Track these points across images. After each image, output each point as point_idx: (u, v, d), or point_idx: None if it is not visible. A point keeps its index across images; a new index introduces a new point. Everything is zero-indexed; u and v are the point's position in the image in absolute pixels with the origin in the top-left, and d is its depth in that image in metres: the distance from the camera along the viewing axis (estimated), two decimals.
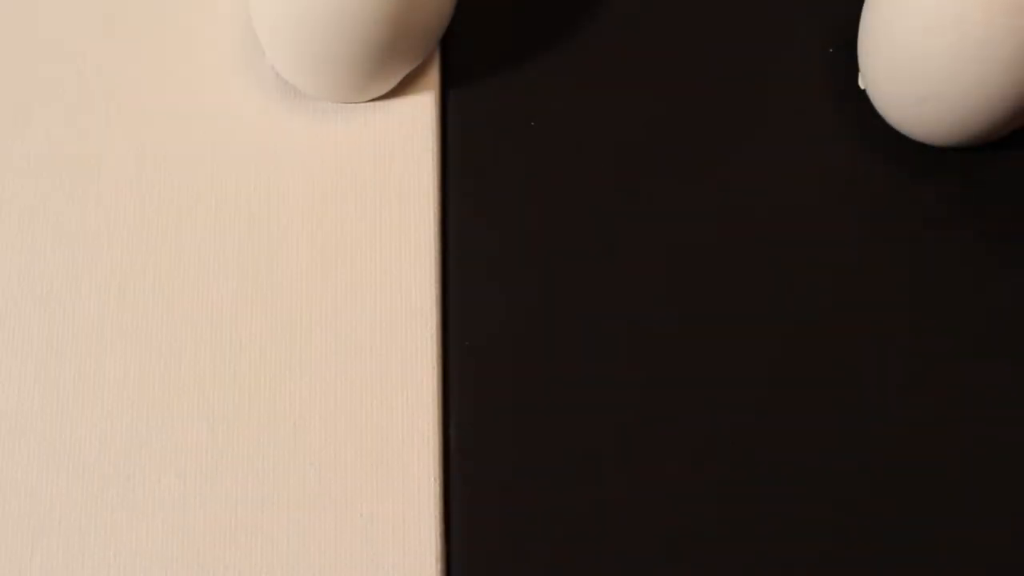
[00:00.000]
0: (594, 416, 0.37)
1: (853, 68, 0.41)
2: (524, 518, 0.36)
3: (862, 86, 0.41)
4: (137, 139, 0.40)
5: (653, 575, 0.35)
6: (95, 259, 0.38)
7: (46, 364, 0.37)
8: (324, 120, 0.41)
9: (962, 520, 0.36)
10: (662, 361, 0.38)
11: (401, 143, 0.40)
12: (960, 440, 0.37)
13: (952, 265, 0.39)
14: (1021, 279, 0.39)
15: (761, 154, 0.40)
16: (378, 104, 0.41)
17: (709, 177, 0.40)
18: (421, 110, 0.41)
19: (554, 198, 0.40)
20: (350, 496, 0.36)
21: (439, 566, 0.35)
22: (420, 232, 0.39)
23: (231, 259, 0.39)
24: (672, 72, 0.42)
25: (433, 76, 0.41)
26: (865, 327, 0.38)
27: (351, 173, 0.40)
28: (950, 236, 0.39)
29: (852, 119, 0.41)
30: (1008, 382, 0.37)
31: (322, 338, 0.37)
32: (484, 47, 0.42)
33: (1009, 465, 0.36)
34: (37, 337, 0.37)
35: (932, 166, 0.40)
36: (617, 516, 0.36)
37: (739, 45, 0.42)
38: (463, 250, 0.39)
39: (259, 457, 0.36)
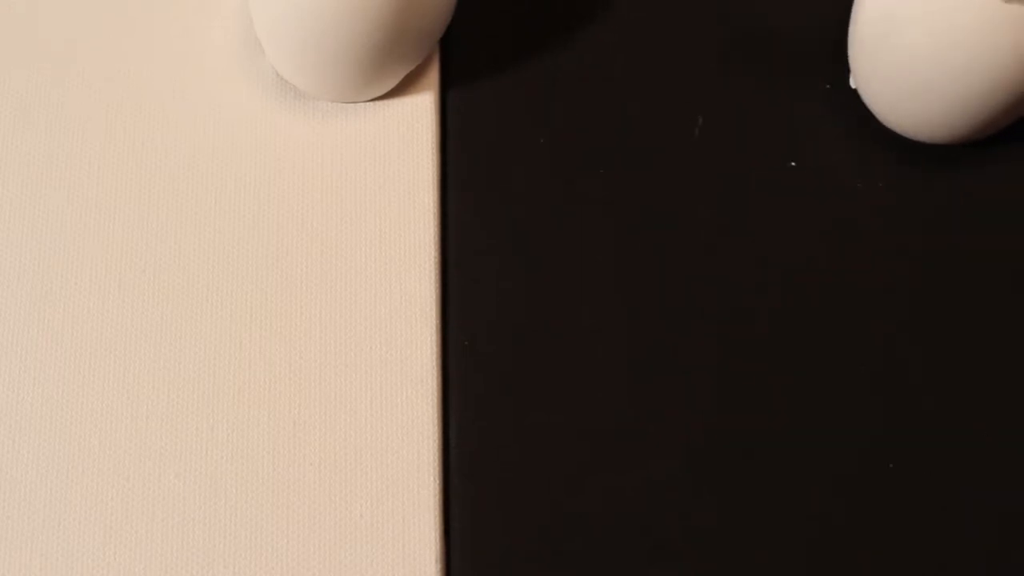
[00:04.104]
0: (594, 416, 0.37)
1: (844, 69, 0.41)
2: (524, 518, 0.36)
3: (853, 86, 0.41)
4: (137, 138, 0.40)
5: (652, 573, 0.35)
6: (94, 259, 0.38)
7: (45, 364, 0.37)
8: (324, 120, 0.41)
9: (960, 519, 0.36)
10: (663, 361, 0.38)
11: (401, 143, 0.40)
12: (959, 438, 0.37)
13: (944, 260, 0.39)
14: (1014, 273, 0.39)
15: (757, 156, 0.40)
16: (378, 104, 0.41)
17: (708, 175, 0.40)
18: (421, 110, 0.41)
19: (553, 198, 0.40)
20: (350, 496, 0.36)
21: (439, 566, 0.35)
22: (420, 232, 0.39)
23: (231, 258, 0.39)
24: (671, 73, 0.42)
25: (433, 76, 0.41)
26: (860, 323, 0.38)
27: (351, 173, 0.40)
28: (943, 231, 0.39)
29: (844, 119, 0.41)
30: (1003, 376, 0.37)
31: (322, 338, 0.37)
32: (484, 47, 0.42)
33: (1009, 464, 0.37)
34: (36, 337, 0.37)
35: (924, 163, 0.40)
36: (618, 516, 0.36)
37: (737, 46, 0.42)
38: (463, 250, 0.39)
39: (259, 457, 0.36)
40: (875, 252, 0.39)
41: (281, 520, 0.35)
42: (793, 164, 0.40)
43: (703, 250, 0.39)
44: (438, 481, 0.36)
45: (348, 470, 0.36)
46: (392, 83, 0.41)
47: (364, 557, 0.35)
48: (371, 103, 0.41)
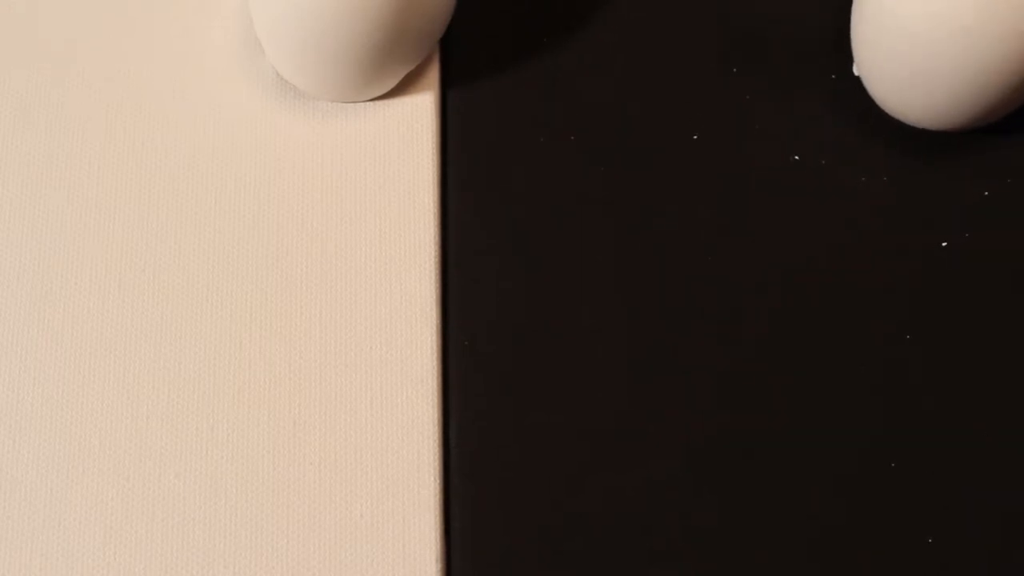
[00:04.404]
0: (594, 416, 0.37)
1: (847, 58, 0.41)
2: (524, 518, 0.36)
3: (856, 73, 0.41)
4: (137, 138, 0.40)
5: (653, 573, 0.35)
6: (94, 259, 0.38)
7: (45, 364, 0.37)
8: (324, 120, 0.41)
9: (961, 519, 0.36)
10: (663, 361, 0.38)
11: (401, 143, 0.40)
12: (959, 438, 0.37)
13: (945, 259, 0.39)
14: (1014, 272, 0.39)
15: (758, 154, 0.40)
16: (378, 104, 0.41)
17: (708, 175, 0.40)
18: (421, 110, 0.41)
19: (553, 198, 0.40)
20: (350, 496, 0.36)
21: (439, 566, 0.35)
22: (420, 232, 0.39)
23: (231, 258, 0.39)
24: (671, 72, 0.42)
25: (433, 76, 0.41)
26: (860, 323, 0.38)
27: (351, 173, 0.40)
28: (945, 229, 0.39)
29: (847, 106, 0.41)
30: (1004, 376, 0.37)
31: (322, 338, 0.37)
32: (484, 47, 0.42)
33: (1010, 464, 0.36)
34: (36, 337, 0.37)
35: (927, 157, 0.40)
36: (618, 515, 0.36)
37: (738, 39, 0.42)
38: (463, 250, 0.39)
39: (259, 457, 0.36)
40: (875, 252, 0.39)
41: (281, 520, 0.35)
42: (796, 158, 0.40)
43: (703, 250, 0.39)
44: (438, 481, 0.36)
45: (348, 470, 0.36)
46: (392, 83, 0.41)
47: (364, 557, 0.35)
48: (371, 103, 0.41)
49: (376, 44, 0.38)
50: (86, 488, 0.36)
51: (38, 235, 0.39)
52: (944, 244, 0.39)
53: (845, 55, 0.41)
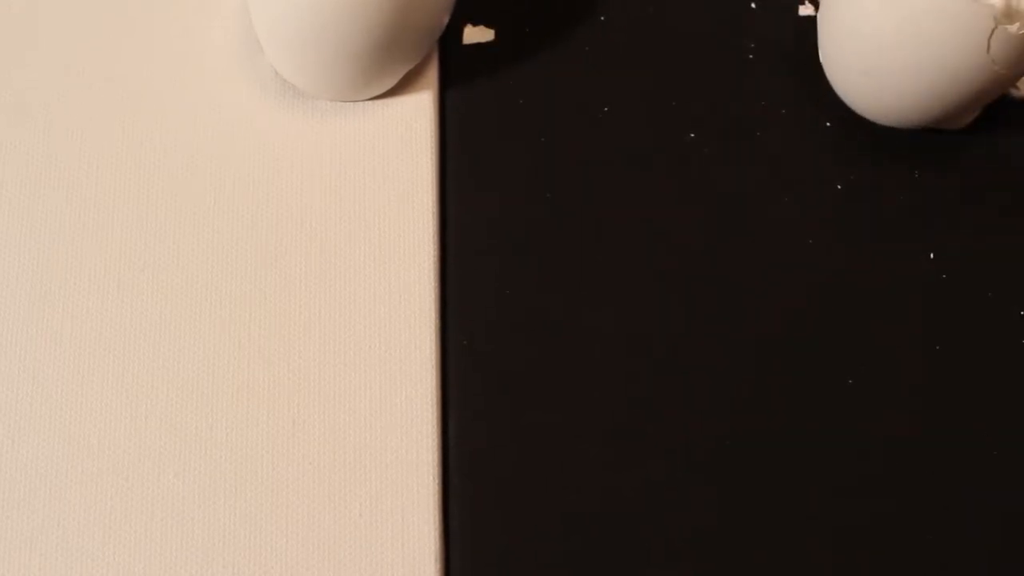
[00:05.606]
0: (593, 414, 0.37)
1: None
2: (523, 517, 0.36)
3: (821, 59, 0.41)
4: (136, 138, 0.40)
5: (652, 573, 0.35)
6: (93, 258, 0.38)
7: (45, 364, 0.37)
8: (323, 119, 0.41)
9: (961, 519, 0.36)
10: (661, 359, 0.38)
11: (400, 142, 0.40)
12: (959, 438, 0.37)
13: (945, 258, 0.39)
14: (1014, 271, 0.39)
15: (757, 157, 0.40)
16: (377, 103, 0.41)
17: (708, 175, 0.40)
18: (420, 109, 0.41)
19: (553, 198, 0.40)
20: (349, 495, 0.36)
21: (439, 566, 0.35)
22: (418, 231, 0.39)
23: (230, 258, 0.39)
24: (671, 72, 0.42)
25: (432, 75, 0.41)
26: (860, 323, 0.38)
27: (350, 172, 0.40)
28: (943, 229, 0.39)
29: (846, 117, 0.41)
30: (1004, 376, 0.37)
31: (321, 337, 0.37)
32: (484, 46, 0.42)
33: (1010, 464, 0.36)
34: (36, 337, 0.37)
35: (924, 160, 0.40)
36: (617, 515, 0.36)
37: (736, 46, 0.42)
38: (462, 249, 0.39)
39: (259, 456, 0.36)
40: (875, 252, 0.39)
41: (280, 519, 0.35)
42: (796, 158, 0.40)
43: (703, 250, 0.39)
44: (437, 480, 0.36)
45: (347, 469, 0.36)
46: (391, 82, 0.41)
47: (363, 556, 0.35)
48: (370, 102, 0.41)
49: (375, 43, 0.38)
50: (85, 488, 0.36)
51: (37, 235, 0.39)
52: (944, 244, 0.39)
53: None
